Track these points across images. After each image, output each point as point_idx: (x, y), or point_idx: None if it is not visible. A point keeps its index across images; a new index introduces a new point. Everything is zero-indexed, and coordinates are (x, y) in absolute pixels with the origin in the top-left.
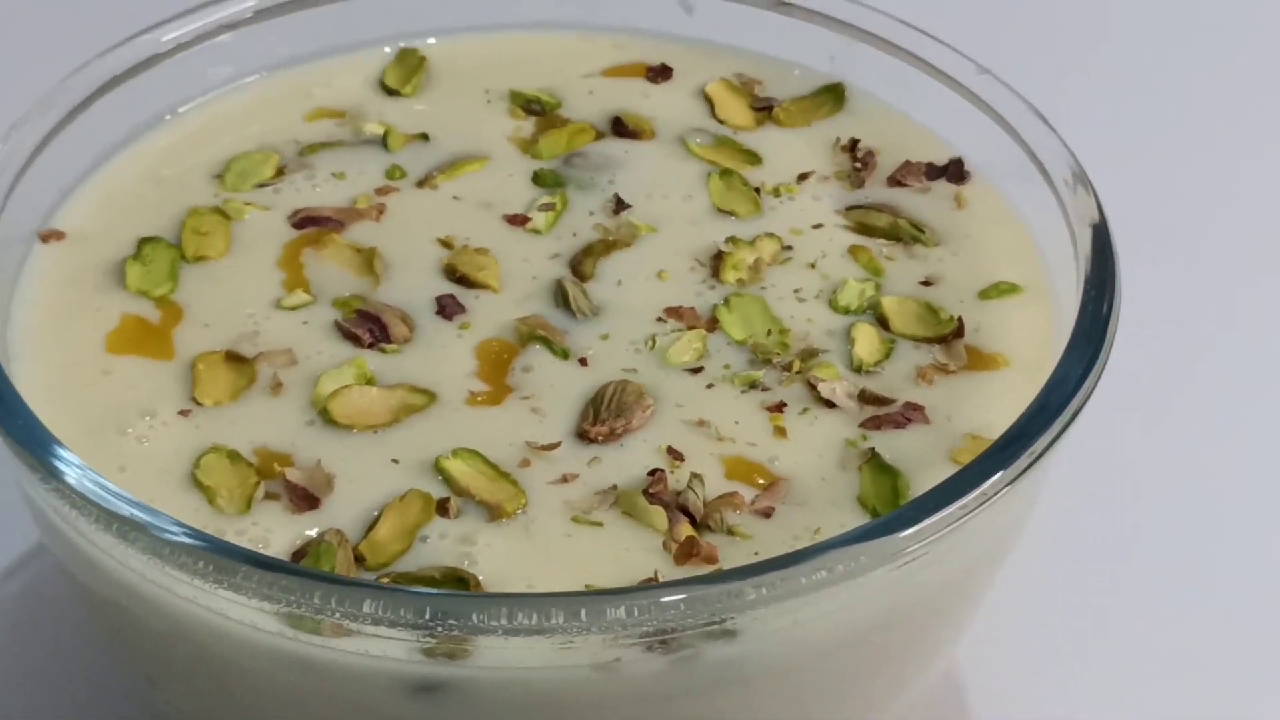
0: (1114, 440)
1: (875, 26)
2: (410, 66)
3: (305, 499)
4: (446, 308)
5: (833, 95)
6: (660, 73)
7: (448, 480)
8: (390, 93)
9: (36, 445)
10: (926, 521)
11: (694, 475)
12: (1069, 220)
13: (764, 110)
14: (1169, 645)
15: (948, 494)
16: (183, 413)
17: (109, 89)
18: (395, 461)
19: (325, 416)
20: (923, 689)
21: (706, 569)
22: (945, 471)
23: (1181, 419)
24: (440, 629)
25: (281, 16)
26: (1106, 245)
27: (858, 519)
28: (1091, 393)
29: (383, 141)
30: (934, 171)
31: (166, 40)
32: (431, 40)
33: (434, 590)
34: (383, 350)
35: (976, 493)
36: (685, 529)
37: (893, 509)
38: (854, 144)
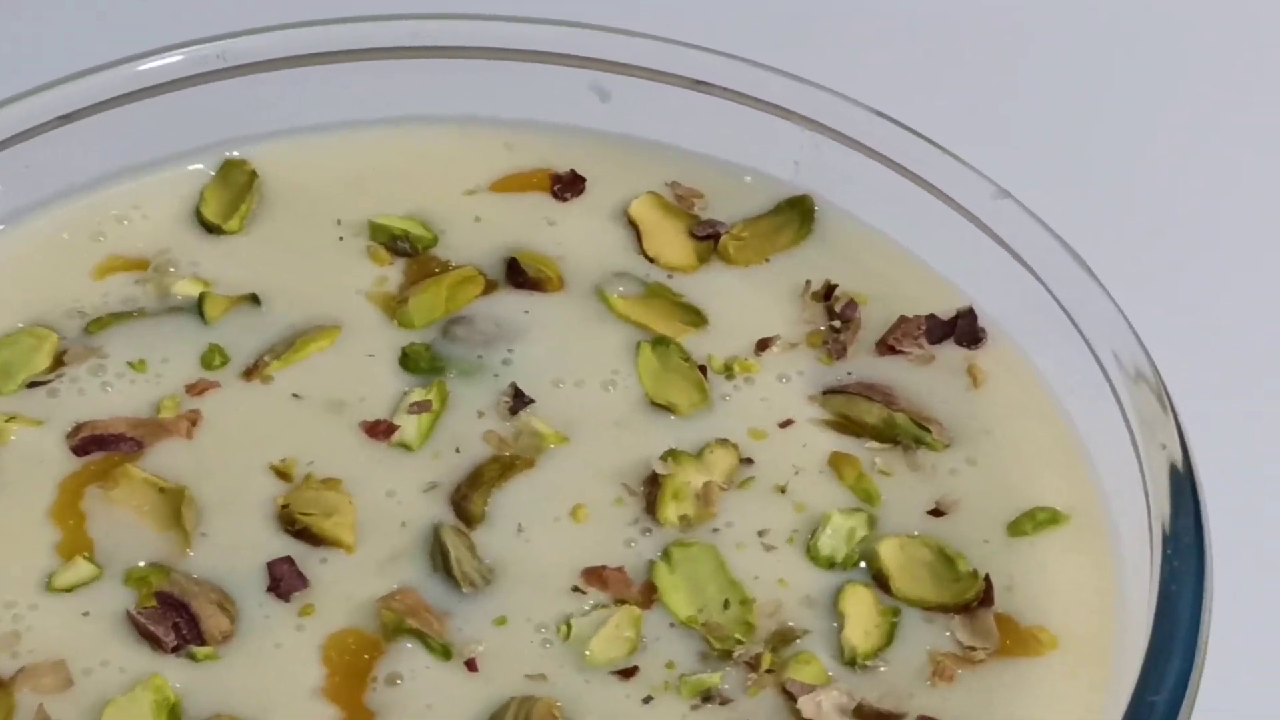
0: None
1: (851, 122)
2: (237, 188)
3: None
4: (282, 582)
5: (798, 213)
6: (569, 185)
7: None
8: (209, 229)
9: None
10: None
11: None
12: (1128, 421)
13: (707, 239)
14: None
15: None
16: None
17: None
18: None
19: None
20: None
21: None
22: None
23: None
24: None
25: (64, 126)
26: (1186, 495)
27: None
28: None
29: (198, 308)
30: (938, 329)
31: None
32: (264, 147)
33: None
34: (192, 656)
35: None
36: None
37: None
38: (829, 290)
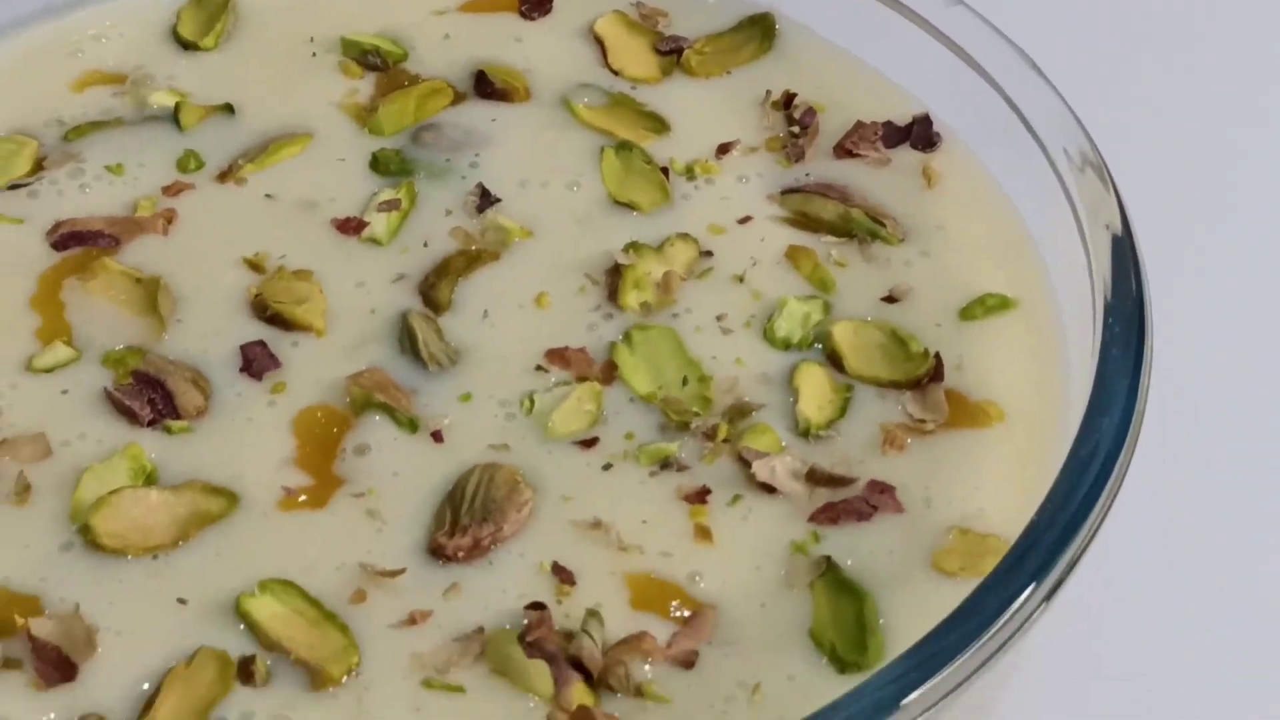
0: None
1: None
2: (213, 7)
3: (57, 666)
4: (254, 362)
5: (759, 30)
6: (535, 5)
7: (253, 629)
8: (185, 45)
9: None
10: (914, 695)
11: (590, 613)
12: (1076, 212)
13: (671, 54)
14: None
15: (943, 647)
16: None
17: None
18: (182, 602)
19: (87, 536)
20: None
21: None
22: (925, 585)
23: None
24: None
25: None
26: (1129, 261)
27: (810, 664)
28: (1125, 475)
29: (174, 117)
30: (894, 134)
31: None
32: None
33: None
34: (167, 429)
35: (982, 641)
36: (579, 693)
37: (857, 649)
38: (789, 99)
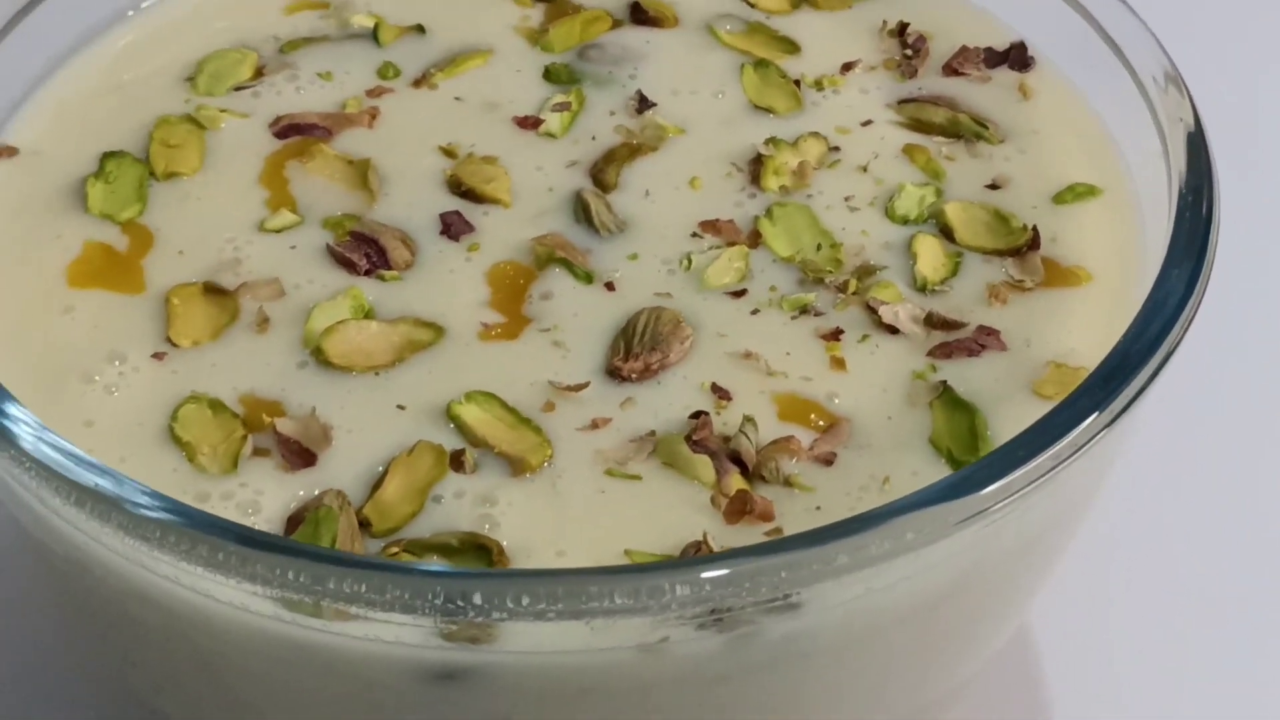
0: (1200, 387)
1: None
2: None
3: (299, 454)
4: (452, 227)
5: None
6: None
7: (461, 429)
8: None
9: None
10: (1015, 474)
11: (745, 418)
12: (1156, 116)
13: None
14: (1245, 605)
15: (1037, 440)
16: (156, 355)
17: None
18: (401, 408)
19: (319, 357)
20: (996, 651)
21: (762, 528)
22: (1026, 405)
23: (1272, 364)
24: (461, 616)
25: None
26: (1201, 149)
27: (930, 464)
28: (1193, 318)
29: (373, 35)
30: (994, 58)
31: None
32: None
33: (454, 570)
34: (381, 278)
35: (1069, 439)
36: (736, 481)
37: (970, 452)
38: (903, 28)
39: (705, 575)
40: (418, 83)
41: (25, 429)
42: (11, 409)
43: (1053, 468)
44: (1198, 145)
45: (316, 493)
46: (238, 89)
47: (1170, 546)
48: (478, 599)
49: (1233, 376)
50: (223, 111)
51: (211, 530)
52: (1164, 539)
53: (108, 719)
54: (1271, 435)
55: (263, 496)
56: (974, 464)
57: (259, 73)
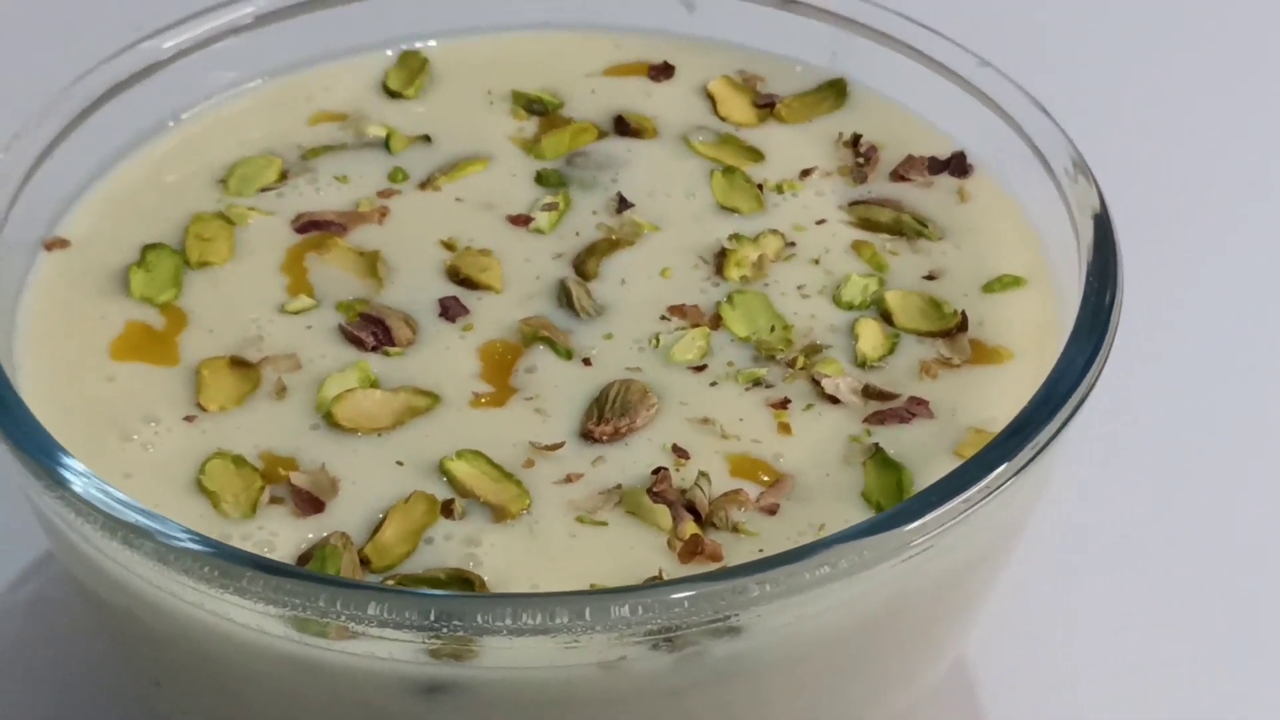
0: (1119, 432)
1: (875, 21)
2: (412, 69)
3: (310, 503)
4: (449, 310)
5: (834, 91)
6: (662, 71)
7: (452, 482)
8: (392, 95)
9: (42, 453)
10: (930, 515)
11: (701, 473)
12: (1071, 210)
13: (766, 107)
14: (1178, 639)
15: (951, 487)
16: (187, 418)
17: (111, 96)
18: (400, 464)
19: (329, 420)
20: (932, 684)
21: (711, 567)
22: (949, 465)
23: (1187, 409)
24: (445, 630)
25: (282, 21)
26: (1108, 234)
27: (862, 514)
28: (1095, 383)
29: (385, 144)
30: (936, 165)
31: (168, 47)
32: (433, 42)
33: (438, 592)
34: (386, 353)
35: (980, 486)
36: (690, 527)
37: (897, 503)
38: (856, 139)
39: (657, 599)
40: (423, 185)
41: (77, 477)
42: (66, 460)
43: (964, 511)
44: (1104, 227)
45: (324, 534)
46: (264, 190)
47: (1106, 581)
48: (459, 619)
49: (1154, 421)
50: (250, 210)
51: (234, 559)
52: (1100, 576)
53: None
54: (1190, 475)
55: (277, 538)
56: (895, 507)
57: (283, 176)
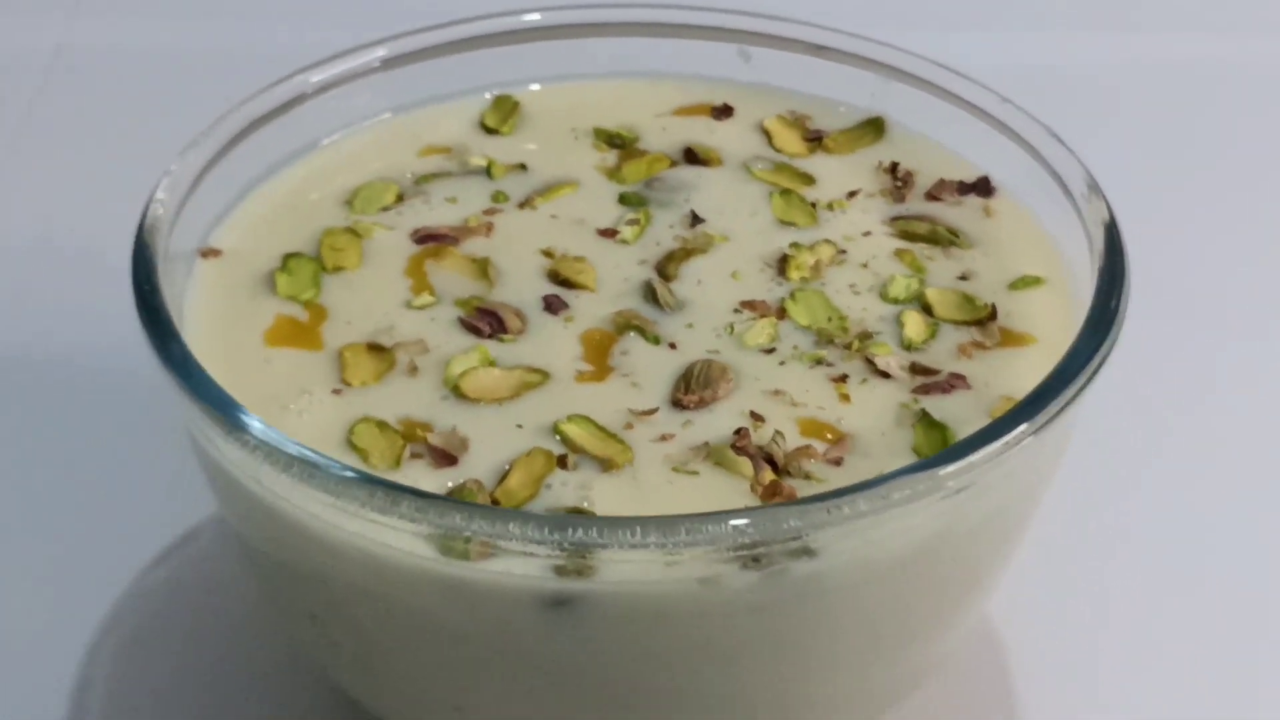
0: (1128, 415)
1: (909, 66)
2: (506, 110)
3: (445, 457)
4: (552, 305)
5: (874, 127)
6: (723, 112)
7: (565, 440)
8: (489, 132)
9: (226, 409)
10: (965, 460)
11: (776, 432)
12: (1085, 224)
13: (815, 140)
14: (1191, 612)
15: (983, 439)
16: (335, 391)
17: (252, 130)
18: (519, 427)
19: (457, 392)
20: (971, 626)
21: None
22: (984, 425)
23: (1190, 393)
24: (572, 546)
25: (401, 67)
26: (1117, 242)
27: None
28: (1103, 363)
29: (486, 171)
30: (965, 188)
31: (315, 81)
32: (526, 88)
33: (568, 516)
34: (500, 340)
35: (1006, 439)
36: (769, 474)
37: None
38: (895, 166)
39: (744, 520)
40: (522, 205)
41: (255, 423)
42: (245, 414)
43: (994, 457)
44: (1113, 237)
45: (461, 481)
46: (384, 210)
47: (1129, 548)
48: (583, 536)
49: (1173, 394)
50: (374, 225)
51: (396, 489)
52: (1120, 542)
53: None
54: (1202, 450)
55: (420, 485)
56: (940, 452)
57: (399, 198)
